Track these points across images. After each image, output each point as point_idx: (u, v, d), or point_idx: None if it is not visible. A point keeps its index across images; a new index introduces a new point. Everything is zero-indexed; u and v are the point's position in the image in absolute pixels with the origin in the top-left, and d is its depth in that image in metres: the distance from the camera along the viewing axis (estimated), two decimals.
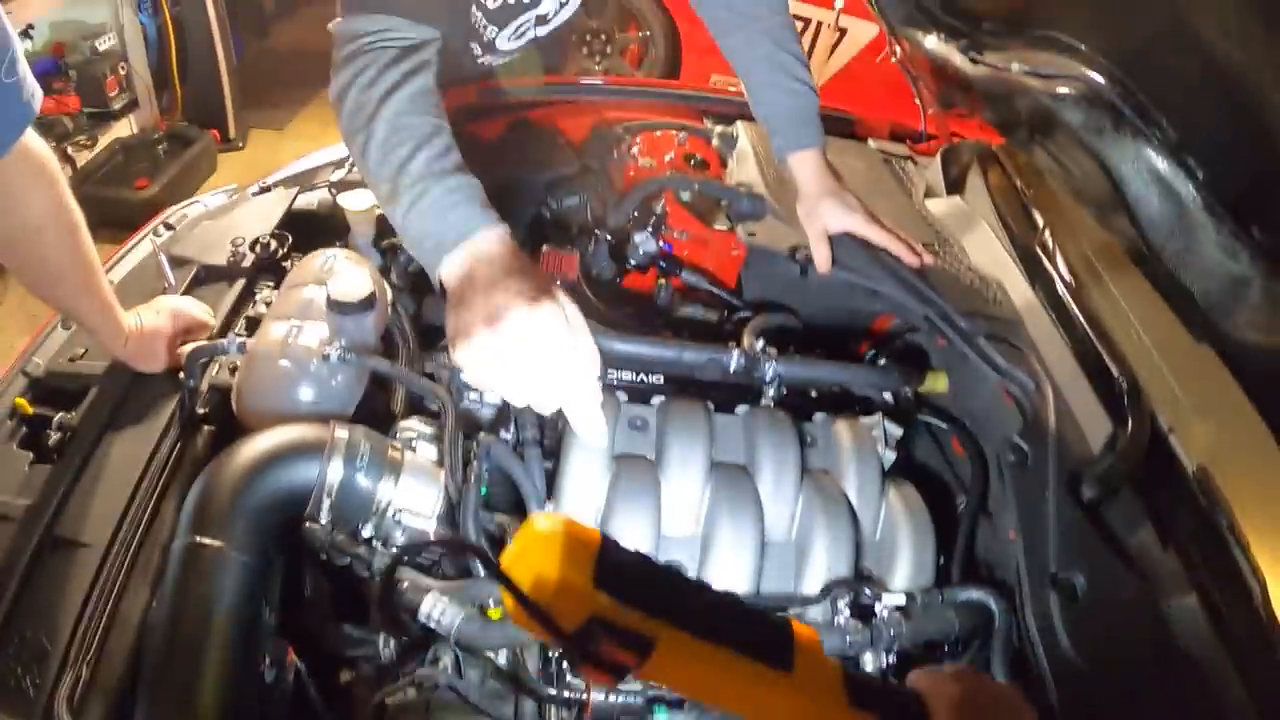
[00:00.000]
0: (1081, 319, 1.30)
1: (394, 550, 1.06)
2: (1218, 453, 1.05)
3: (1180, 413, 1.11)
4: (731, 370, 1.21)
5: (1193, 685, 0.91)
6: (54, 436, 1.22)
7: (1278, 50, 0.85)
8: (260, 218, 1.63)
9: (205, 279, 1.51)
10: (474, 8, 1.62)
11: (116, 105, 4.28)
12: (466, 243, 0.98)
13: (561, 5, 1.81)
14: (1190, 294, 1.19)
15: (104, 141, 4.17)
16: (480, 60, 1.83)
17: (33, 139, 1.07)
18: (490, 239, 0.99)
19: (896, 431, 1.21)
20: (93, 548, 1.08)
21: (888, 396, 1.30)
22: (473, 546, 0.99)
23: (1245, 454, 1.05)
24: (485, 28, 1.70)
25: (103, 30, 4.28)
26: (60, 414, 1.25)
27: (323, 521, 1.04)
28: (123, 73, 4.31)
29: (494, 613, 0.99)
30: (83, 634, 1.01)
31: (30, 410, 1.26)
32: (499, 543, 1.06)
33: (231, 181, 4.50)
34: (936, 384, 1.32)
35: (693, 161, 1.68)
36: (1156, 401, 1.13)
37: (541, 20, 1.81)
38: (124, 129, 4.36)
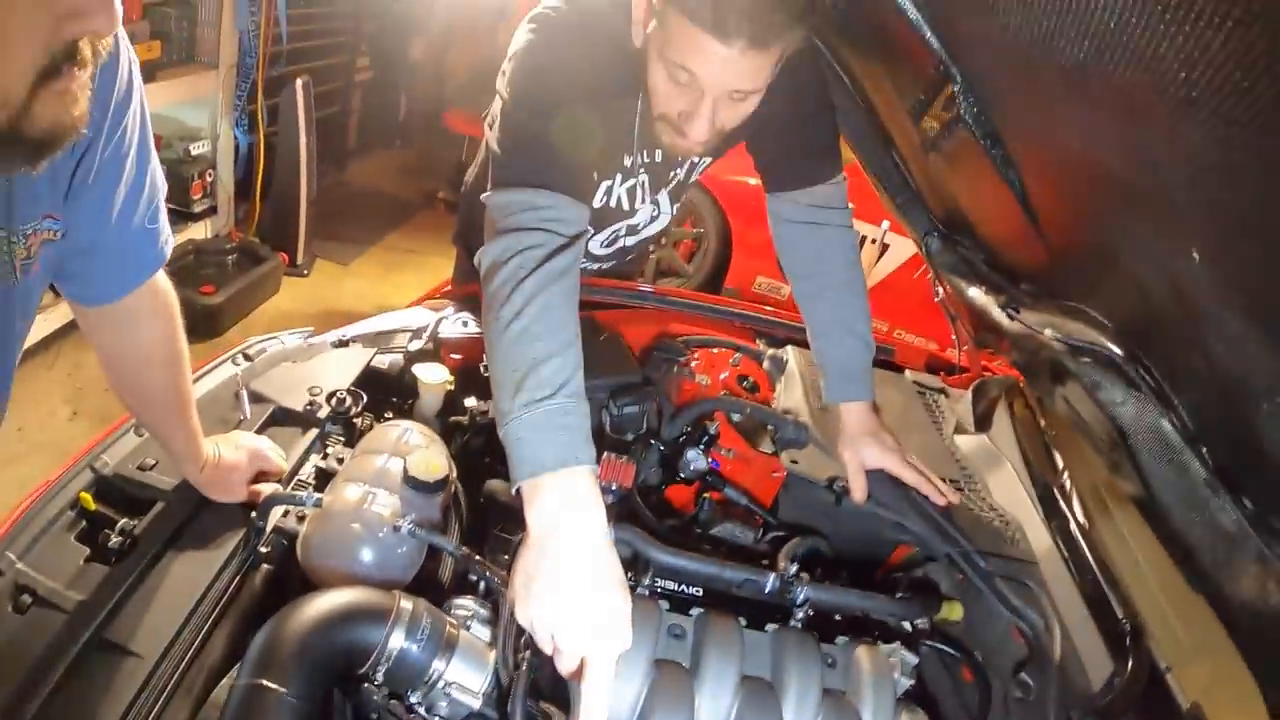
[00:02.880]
0: (1092, 560, 1.39)
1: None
2: (1212, 692, 1.12)
3: (1180, 652, 1.19)
4: (766, 591, 1.29)
5: None
6: (114, 540, 1.26)
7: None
8: (338, 370, 1.74)
9: (280, 420, 1.59)
10: None
11: (197, 208, 4.42)
12: (559, 473, 1.09)
13: (653, 219, 1.94)
14: (1190, 549, 1.27)
15: (179, 240, 4.30)
16: None
17: (160, 277, 1.19)
18: (580, 477, 1.10)
19: (912, 660, 1.27)
20: (143, 659, 1.11)
21: (905, 625, 1.38)
22: None
23: (1236, 696, 1.10)
24: None
25: (199, 135, 4.47)
26: (124, 519, 1.29)
27: (377, 683, 1.10)
28: (209, 179, 4.47)
29: None
30: None
31: (93, 506, 1.30)
32: None
33: (292, 306, 4.64)
34: (951, 612, 1.39)
35: (745, 383, 1.79)
36: (1158, 639, 1.21)
37: (632, 230, 1.94)
38: (200, 232, 4.49)
